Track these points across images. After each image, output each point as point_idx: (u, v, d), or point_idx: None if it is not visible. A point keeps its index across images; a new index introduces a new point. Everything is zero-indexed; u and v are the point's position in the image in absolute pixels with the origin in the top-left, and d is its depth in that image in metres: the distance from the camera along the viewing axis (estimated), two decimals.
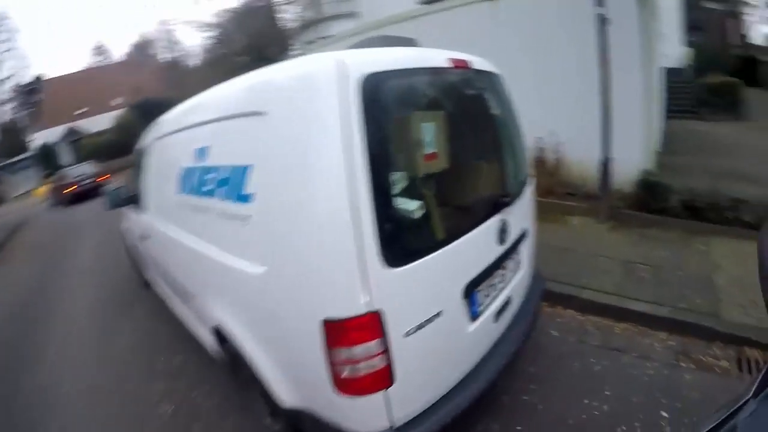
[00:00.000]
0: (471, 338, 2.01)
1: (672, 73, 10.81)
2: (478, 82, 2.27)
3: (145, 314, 4.65)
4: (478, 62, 2.29)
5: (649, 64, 5.32)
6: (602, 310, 3.54)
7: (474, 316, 2.02)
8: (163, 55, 32.77)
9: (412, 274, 1.65)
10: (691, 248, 4.33)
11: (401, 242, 1.62)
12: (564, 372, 2.87)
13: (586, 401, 2.59)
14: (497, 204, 2.16)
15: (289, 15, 19.79)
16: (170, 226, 2.97)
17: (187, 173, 2.59)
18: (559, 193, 5.68)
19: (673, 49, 12.03)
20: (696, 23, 15.47)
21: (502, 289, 2.27)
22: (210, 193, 2.24)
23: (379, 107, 1.58)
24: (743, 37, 18.45)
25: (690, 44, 14.70)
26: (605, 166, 4.93)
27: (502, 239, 2.15)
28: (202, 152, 2.38)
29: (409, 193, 1.69)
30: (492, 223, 2.10)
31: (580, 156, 5.57)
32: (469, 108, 2.21)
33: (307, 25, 18.46)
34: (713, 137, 8.93)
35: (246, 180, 1.89)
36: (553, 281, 3.74)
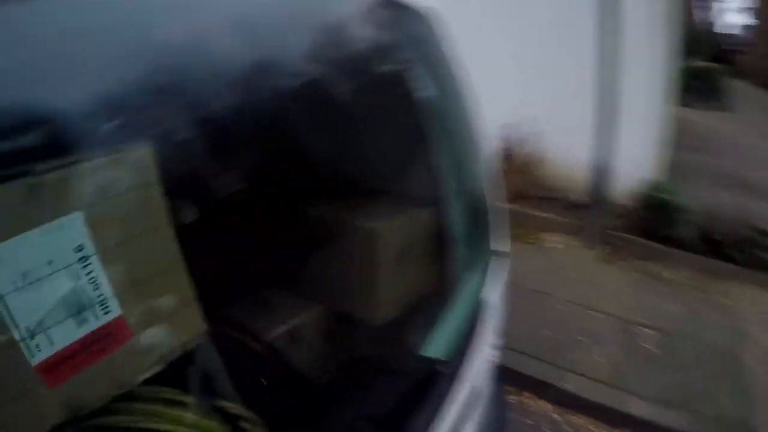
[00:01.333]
0: None
1: None
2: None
3: None
4: None
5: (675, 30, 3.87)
6: (590, 408, 2.38)
7: None
8: None
9: None
10: (710, 301, 3.16)
11: None
12: None
13: None
14: None
15: None
16: None
17: None
18: (534, 198, 4.29)
19: None
20: None
21: None
22: None
23: None
24: (709, 23, 17.28)
25: None
26: (601, 168, 3.62)
27: None
28: None
29: None
30: None
31: (565, 150, 4.16)
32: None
33: None
34: (707, 130, 7.87)
35: None
36: (525, 354, 2.58)
